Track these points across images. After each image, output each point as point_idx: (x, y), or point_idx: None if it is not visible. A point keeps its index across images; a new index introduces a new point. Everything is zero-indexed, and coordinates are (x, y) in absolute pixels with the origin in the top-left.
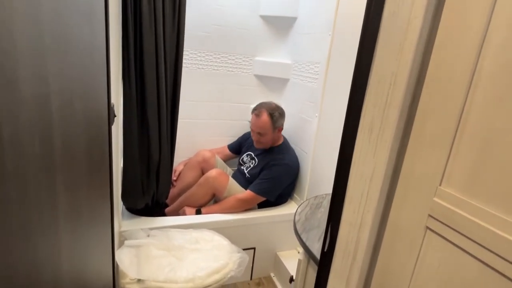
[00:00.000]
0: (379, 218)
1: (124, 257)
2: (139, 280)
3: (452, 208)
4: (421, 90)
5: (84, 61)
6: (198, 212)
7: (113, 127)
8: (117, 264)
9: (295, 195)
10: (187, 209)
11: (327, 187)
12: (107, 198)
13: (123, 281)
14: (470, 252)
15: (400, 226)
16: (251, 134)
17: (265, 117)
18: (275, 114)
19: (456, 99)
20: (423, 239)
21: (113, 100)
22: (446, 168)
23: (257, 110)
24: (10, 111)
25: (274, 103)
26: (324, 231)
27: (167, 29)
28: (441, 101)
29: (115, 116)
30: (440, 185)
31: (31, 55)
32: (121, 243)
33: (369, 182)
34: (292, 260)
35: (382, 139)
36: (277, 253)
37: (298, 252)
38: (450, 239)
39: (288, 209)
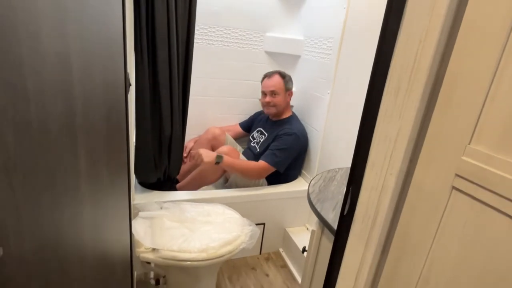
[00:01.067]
0: (401, 181)
1: (139, 228)
2: (153, 249)
3: (483, 166)
4: (452, 47)
5: (101, 26)
6: (219, 158)
7: (128, 97)
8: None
9: (304, 172)
10: (203, 151)
11: (338, 164)
12: (124, 166)
13: (138, 249)
14: (500, 209)
15: (424, 187)
16: (261, 100)
17: (277, 77)
18: (286, 76)
19: (493, 49)
20: (448, 199)
21: (127, 69)
22: (476, 126)
23: (268, 73)
24: (33, 65)
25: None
26: (337, 202)
27: (179, 2)
28: (476, 53)
29: (130, 84)
30: (469, 143)
31: (50, 12)
32: (135, 215)
33: (393, 143)
34: (301, 236)
35: (409, 100)
36: (286, 229)
37: (307, 229)
38: (479, 198)
39: (297, 186)
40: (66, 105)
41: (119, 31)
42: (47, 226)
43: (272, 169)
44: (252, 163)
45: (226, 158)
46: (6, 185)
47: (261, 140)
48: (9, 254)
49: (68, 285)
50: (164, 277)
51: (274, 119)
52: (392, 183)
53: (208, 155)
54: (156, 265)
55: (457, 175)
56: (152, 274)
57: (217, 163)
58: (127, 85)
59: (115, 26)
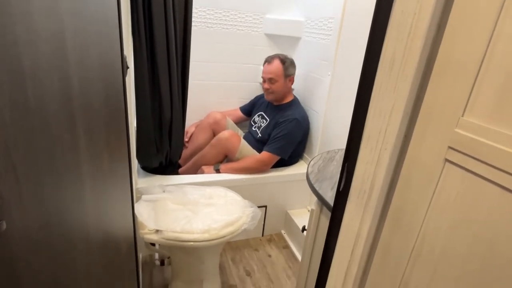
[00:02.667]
0: (396, 155)
1: (142, 210)
2: (157, 231)
3: (475, 137)
4: (446, 19)
5: (96, 4)
6: (217, 171)
7: (126, 80)
8: (135, 216)
9: (305, 155)
10: (206, 168)
11: (338, 147)
12: (124, 148)
13: (142, 231)
14: (491, 179)
15: (418, 161)
16: (262, 85)
17: (277, 62)
18: (287, 61)
19: (485, 22)
20: (441, 172)
21: (124, 52)
22: (469, 98)
23: (268, 58)
24: (28, 42)
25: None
26: (336, 181)
27: None
28: (468, 28)
29: (127, 67)
30: (462, 115)
31: None
32: (138, 199)
33: (388, 118)
34: (302, 218)
35: (404, 73)
36: (288, 211)
37: (308, 211)
38: (470, 169)
39: (299, 169)
40: (63, 84)
41: (114, 12)
42: (50, 203)
43: (277, 158)
44: (254, 158)
45: (223, 168)
46: (7, 162)
47: (262, 125)
48: (13, 229)
49: (73, 262)
50: (168, 258)
51: (275, 103)
52: (386, 157)
53: (209, 172)
54: (161, 246)
55: (450, 147)
56: (157, 256)
57: (217, 170)
58: (124, 67)
59: (110, 6)
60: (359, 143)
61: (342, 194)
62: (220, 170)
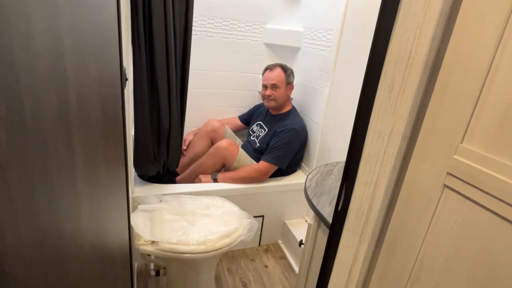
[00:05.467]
0: (394, 178)
1: (138, 220)
2: (153, 242)
3: (474, 165)
4: (447, 43)
5: (95, 19)
6: (215, 180)
7: (125, 92)
8: (131, 227)
9: (303, 165)
10: (203, 177)
11: (336, 157)
12: (121, 160)
13: (137, 242)
14: (490, 208)
15: (417, 185)
16: (262, 92)
17: (279, 70)
18: (288, 69)
19: (485, 51)
20: (440, 197)
21: (124, 64)
22: (468, 126)
23: (270, 66)
24: (27, 62)
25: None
26: (334, 196)
27: None
28: (468, 55)
29: (126, 79)
30: (461, 142)
31: (42, 8)
32: (134, 208)
33: (387, 140)
34: (299, 228)
35: (403, 97)
36: (285, 221)
37: (306, 221)
38: (469, 196)
39: (296, 179)
40: (60, 101)
41: (114, 26)
42: (44, 221)
43: (275, 168)
44: (252, 168)
45: (220, 177)
46: (0, 180)
47: (261, 135)
48: (6, 249)
49: (67, 277)
50: (164, 268)
51: (274, 112)
52: (385, 179)
53: (206, 181)
54: (156, 257)
55: (449, 173)
56: (152, 266)
57: (214, 180)
58: (123, 79)
59: (110, 19)
60: (358, 163)
61: (340, 214)
62: (218, 179)
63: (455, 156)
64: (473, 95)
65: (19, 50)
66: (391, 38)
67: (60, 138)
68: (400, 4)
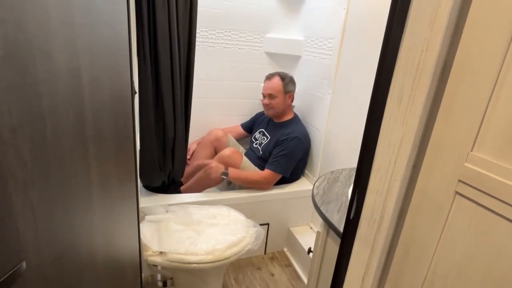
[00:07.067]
0: (405, 186)
1: (146, 231)
2: (161, 253)
3: (485, 172)
4: (454, 55)
5: (108, 36)
6: (224, 174)
7: (133, 105)
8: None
9: (307, 172)
10: (214, 163)
11: (340, 164)
12: (132, 173)
13: (146, 253)
14: (503, 214)
15: (428, 192)
16: (262, 101)
17: (276, 79)
18: (286, 78)
19: (492, 62)
20: (451, 204)
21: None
22: (478, 134)
23: (269, 75)
24: (48, 82)
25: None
26: (342, 204)
27: (180, 5)
28: (476, 64)
29: (135, 92)
30: (471, 150)
31: (61, 30)
32: (141, 219)
33: (397, 150)
34: (304, 235)
35: (412, 107)
36: (290, 228)
37: (311, 228)
38: (481, 203)
39: (300, 186)
40: (78, 118)
41: (125, 42)
42: (62, 237)
43: (279, 176)
44: (258, 174)
45: (231, 171)
46: (25, 201)
47: (263, 142)
48: (29, 268)
49: None
50: (171, 279)
51: (276, 120)
52: (396, 188)
53: (216, 171)
54: (163, 267)
55: (460, 181)
56: (159, 276)
57: (223, 178)
58: (133, 93)
59: (121, 37)
60: (369, 172)
61: (352, 222)
62: (229, 173)
63: (466, 164)
64: (481, 105)
65: (42, 71)
66: (399, 50)
67: (77, 155)
68: (407, 18)
